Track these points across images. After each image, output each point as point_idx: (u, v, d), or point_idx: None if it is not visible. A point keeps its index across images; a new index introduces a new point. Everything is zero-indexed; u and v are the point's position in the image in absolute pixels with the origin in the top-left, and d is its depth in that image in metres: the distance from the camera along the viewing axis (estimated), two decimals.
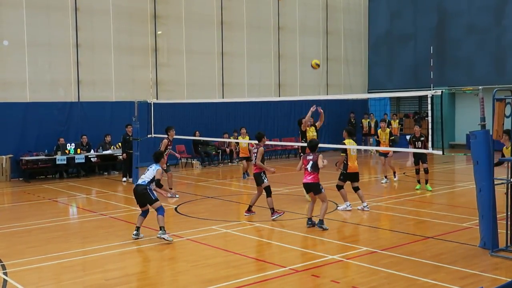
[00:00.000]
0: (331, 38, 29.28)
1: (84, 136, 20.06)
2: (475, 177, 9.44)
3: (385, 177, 17.50)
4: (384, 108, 29.39)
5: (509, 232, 9.13)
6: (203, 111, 23.23)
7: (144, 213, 10.64)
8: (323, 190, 11.11)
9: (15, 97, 19.51)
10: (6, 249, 9.92)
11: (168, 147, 15.37)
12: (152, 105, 18.09)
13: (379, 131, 17.62)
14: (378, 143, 17.89)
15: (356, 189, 12.92)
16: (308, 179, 11.17)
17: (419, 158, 15.74)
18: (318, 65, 14.92)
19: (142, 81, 22.10)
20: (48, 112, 19.97)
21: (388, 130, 17.48)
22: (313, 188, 11.17)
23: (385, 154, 17.24)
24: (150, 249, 9.99)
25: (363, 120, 27.86)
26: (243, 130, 19.82)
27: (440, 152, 11.04)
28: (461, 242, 9.84)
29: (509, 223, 9.09)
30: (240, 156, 19.73)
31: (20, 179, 19.11)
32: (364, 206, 12.84)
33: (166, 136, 15.48)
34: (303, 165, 11.28)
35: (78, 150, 19.56)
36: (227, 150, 23.50)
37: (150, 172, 10.72)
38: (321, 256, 9.10)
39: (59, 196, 15.93)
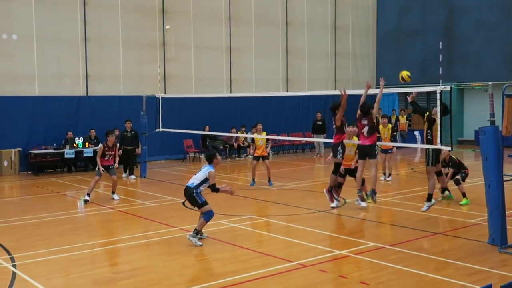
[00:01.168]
0: (339, 33, 29.19)
1: (92, 130, 20.12)
2: (484, 174, 9.41)
3: (384, 174, 16.86)
4: (392, 104, 29.28)
5: None
6: (211, 105, 23.25)
7: None
8: (377, 156, 11.18)
9: (24, 91, 19.59)
10: (15, 241, 9.98)
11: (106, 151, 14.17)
12: (160, 100, 18.12)
13: (380, 127, 17.18)
14: (379, 140, 17.47)
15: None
16: (366, 142, 11.63)
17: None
18: (409, 77, 13.22)
19: (150, 76, 22.13)
20: (57, 106, 20.05)
21: (389, 125, 16.99)
22: (368, 151, 11.55)
23: (386, 151, 16.78)
24: (158, 243, 10.02)
25: None
26: (259, 126, 16.51)
27: (449, 148, 11.01)
28: (470, 239, 9.81)
29: None
30: (254, 155, 16.34)
31: (29, 172, 19.22)
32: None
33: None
34: (359, 129, 11.79)
35: (86, 144, 19.63)
36: (235, 144, 23.52)
37: (201, 173, 9.78)
38: (328, 251, 9.10)
39: (67, 190, 16.01)
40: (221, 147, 23.25)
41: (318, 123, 24.46)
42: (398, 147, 25.73)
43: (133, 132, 18.35)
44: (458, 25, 28.13)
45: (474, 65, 27.24)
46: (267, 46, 26.18)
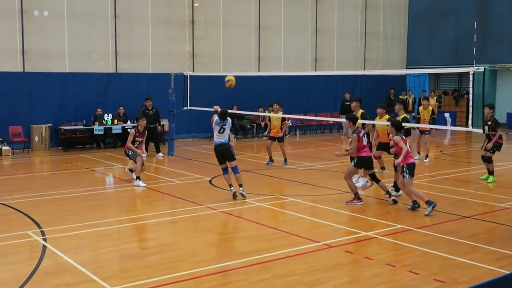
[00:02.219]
0: (370, 13, 28.71)
1: (121, 107, 20.27)
2: None
3: (418, 153, 17.00)
4: (423, 85, 28.83)
5: None
6: (239, 84, 23.10)
7: (226, 170, 11.64)
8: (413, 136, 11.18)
9: (55, 67, 19.80)
10: (45, 215, 10.17)
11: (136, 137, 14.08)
12: (189, 78, 18.14)
13: (420, 108, 17.00)
14: (418, 120, 17.33)
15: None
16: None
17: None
18: (230, 83, 13.79)
19: (179, 54, 22.13)
20: (86, 82, 20.23)
21: (430, 108, 16.82)
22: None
23: (424, 132, 16.69)
24: (185, 220, 10.11)
25: (400, 97, 27.36)
26: (276, 106, 16.26)
27: (480, 131, 10.81)
28: (499, 223, 9.66)
29: None
30: (270, 135, 16.20)
31: (59, 148, 19.50)
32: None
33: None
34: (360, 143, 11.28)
35: (115, 121, 19.81)
36: (262, 124, 23.47)
37: (227, 130, 11.61)
38: (355, 232, 9.06)
39: (96, 166, 16.22)
40: (248, 126, 23.23)
41: (346, 103, 24.18)
42: (431, 128, 25.42)
43: (154, 110, 18.36)
44: (492, 5, 27.42)
45: (509, 46, 26.57)
46: (296, 24, 25.91)
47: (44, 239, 8.66)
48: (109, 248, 8.33)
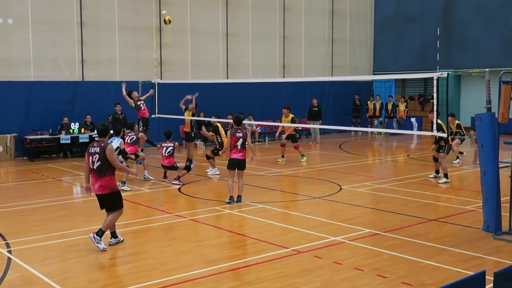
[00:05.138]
0: (337, 19, 29.03)
1: (88, 116, 20.05)
2: (480, 160, 9.43)
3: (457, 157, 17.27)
4: (389, 90, 29.24)
5: None
6: (208, 91, 23.15)
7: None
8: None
9: (20, 76, 19.47)
10: (11, 227, 9.98)
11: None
12: (157, 85, 18.06)
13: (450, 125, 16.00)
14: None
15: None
16: (239, 155, 11.59)
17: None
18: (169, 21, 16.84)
19: (147, 61, 22.01)
20: (53, 91, 19.93)
21: (456, 122, 16.37)
22: (242, 164, 11.66)
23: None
24: (154, 229, 10.04)
25: (368, 102, 27.74)
26: (285, 110, 18.03)
27: (445, 135, 11.02)
28: (465, 225, 9.85)
29: None
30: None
31: (25, 158, 19.17)
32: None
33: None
34: (231, 142, 11.62)
35: (82, 130, 19.58)
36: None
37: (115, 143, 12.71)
38: (324, 237, 9.12)
39: (63, 175, 15.99)
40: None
41: (314, 109, 24.42)
42: (393, 134, 25.81)
43: (123, 115, 18.86)
44: (456, 11, 28.02)
45: (472, 52, 27.17)
46: (264, 31, 26.04)
47: (9, 251, 8.49)
48: (77, 258, 8.22)
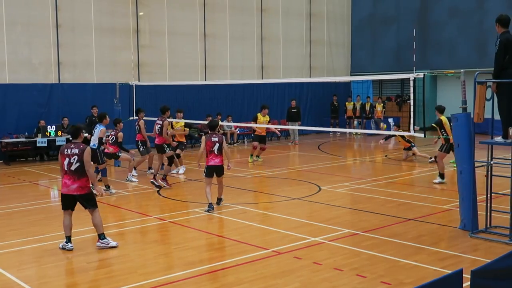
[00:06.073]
0: (314, 21, 29.16)
1: (65, 118, 19.83)
2: (456, 160, 9.54)
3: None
4: (367, 91, 29.47)
5: (488, 214, 9.25)
6: (186, 93, 23.08)
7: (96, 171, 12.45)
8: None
9: None
10: None
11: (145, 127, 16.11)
12: (134, 87, 17.94)
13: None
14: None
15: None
16: (217, 161, 11.27)
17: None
18: None
19: (124, 63, 21.86)
20: (28, 93, 19.67)
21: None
22: (220, 170, 11.35)
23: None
24: (132, 232, 9.97)
25: (346, 103, 27.91)
26: (265, 110, 18.37)
27: (422, 135, 11.13)
28: (442, 224, 9.96)
29: (488, 205, 9.21)
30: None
31: (0, 161, 18.88)
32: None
33: (137, 117, 16.41)
34: (207, 148, 11.29)
35: (59, 133, 19.35)
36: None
37: (96, 134, 12.57)
38: (303, 238, 9.15)
39: (40, 179, 15.79)
40: (196, 135, 23.14)
41: (293, 110, 24.47)
42: (370, 134, 26.00)
43: None
44: (431, 12, 28.34)
45: (447, 52, 27.52)
46: (242, 32, 26.04)
47: None
48: (54, 263, 8.12)
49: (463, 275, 5.09)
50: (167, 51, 23.41)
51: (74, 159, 8.48)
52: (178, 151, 15.77)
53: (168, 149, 14.08)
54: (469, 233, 9.15)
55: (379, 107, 27.43)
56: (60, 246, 8.71)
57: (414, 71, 12.86)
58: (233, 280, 7.26)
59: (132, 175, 15.06)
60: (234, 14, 25.62)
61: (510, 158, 9.16)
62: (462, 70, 9.52)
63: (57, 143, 19.15)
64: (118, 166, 17.44)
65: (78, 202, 8.72)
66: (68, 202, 8.72)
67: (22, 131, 19.28)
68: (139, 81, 21.59)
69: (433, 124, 14.63)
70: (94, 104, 18.92)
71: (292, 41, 28.15)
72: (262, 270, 7.62)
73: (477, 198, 9.32)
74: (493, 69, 8.89)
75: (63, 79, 20.73)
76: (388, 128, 26.60)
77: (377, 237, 9.12)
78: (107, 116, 13.38)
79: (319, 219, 10.55)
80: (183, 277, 7.38)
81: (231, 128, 23.85)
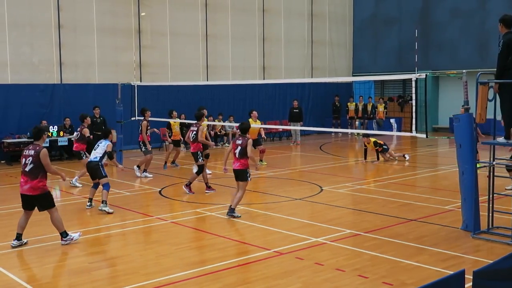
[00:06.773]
0: (316, 21, 29.16)
1: (67, 119, 19.85)
2: (458, 160, 9.53)
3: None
4: (369, 92, 29.46)
5: (490, 214, 9.24)
6: (187, 93, 23.09)
7: (95, 186, 11.73)
8: (249, 178, 10.78)
9: None
10: None
11: (148, 127, 15.99)
12: (136, 88, 17.94)
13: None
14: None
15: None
16: (236, 165, 10.72)
17: None
18: None
19: (126, 63, 21.87)
20: (30, 94, 19.71)
21: (372, 140, 17.71)
22: (238, 175, 10.76)
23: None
24: (134, 232, 9.97)
25: (348, 104, 27.90)
26: (255, 113, 18.10)
27: (424, 136, 11.11)
28: (444, 225, 9.95)
29: (490, 205, 9.19)
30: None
31: (2, 161, 18.90)
32: None
33: (142, 118, 16.12)
34: (232, 150, 10.86)
35: (61, 133, 19.38)
36: (212, 133, 23.42)
37: (101, 148, 11.48)
38: (305, 238, 9.14)
39: None
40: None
41: (295, 110, 24.48)
42: (373, 135, 25.98)
43: (101, 118, 18.72)
44: (433, 13, 28.32)
45: (449, 53, 27.50)
46: (244, 33, 26.05)
47: None
48: (56, 263, 8.13)
49: (465, 276, 5.08)
50: (169, 52, 23.42)
51: (29, 160, 8.70)
52: (207, 151, 14.66)
53: (201, 158, 13.38)
54: (471, 233, 9.14)
55: (381, 108, 27.42)
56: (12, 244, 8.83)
57: (416, 72, 12.80)
58: (235, 280, 7.26)
59: (145, 175, 15.68)
60: (235, 14, 25.63)
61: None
62: (464, 71, 9.51)
63: (59, 144, 19.20)
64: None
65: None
66: (24, 202, 8.88)
67: (24, 132, 19.30)
68: (141, 81, 21.60)
69: None
70: (97, 105, 18.86)
71: (294, 41, 28.15)
72: (264, 270, 7.62)
73: (479, 198, 9.31)
74: (495, 69, 8.88)
75: (65, 79, 20.75)
76: (390, 129, 26.61)
77: (379, 238, 9.11)
78: (113, 132, 12.71)
79: (321, 219, 10.55)
80: (185, 277, 7.38)
81: (232, 128, 23.85)
